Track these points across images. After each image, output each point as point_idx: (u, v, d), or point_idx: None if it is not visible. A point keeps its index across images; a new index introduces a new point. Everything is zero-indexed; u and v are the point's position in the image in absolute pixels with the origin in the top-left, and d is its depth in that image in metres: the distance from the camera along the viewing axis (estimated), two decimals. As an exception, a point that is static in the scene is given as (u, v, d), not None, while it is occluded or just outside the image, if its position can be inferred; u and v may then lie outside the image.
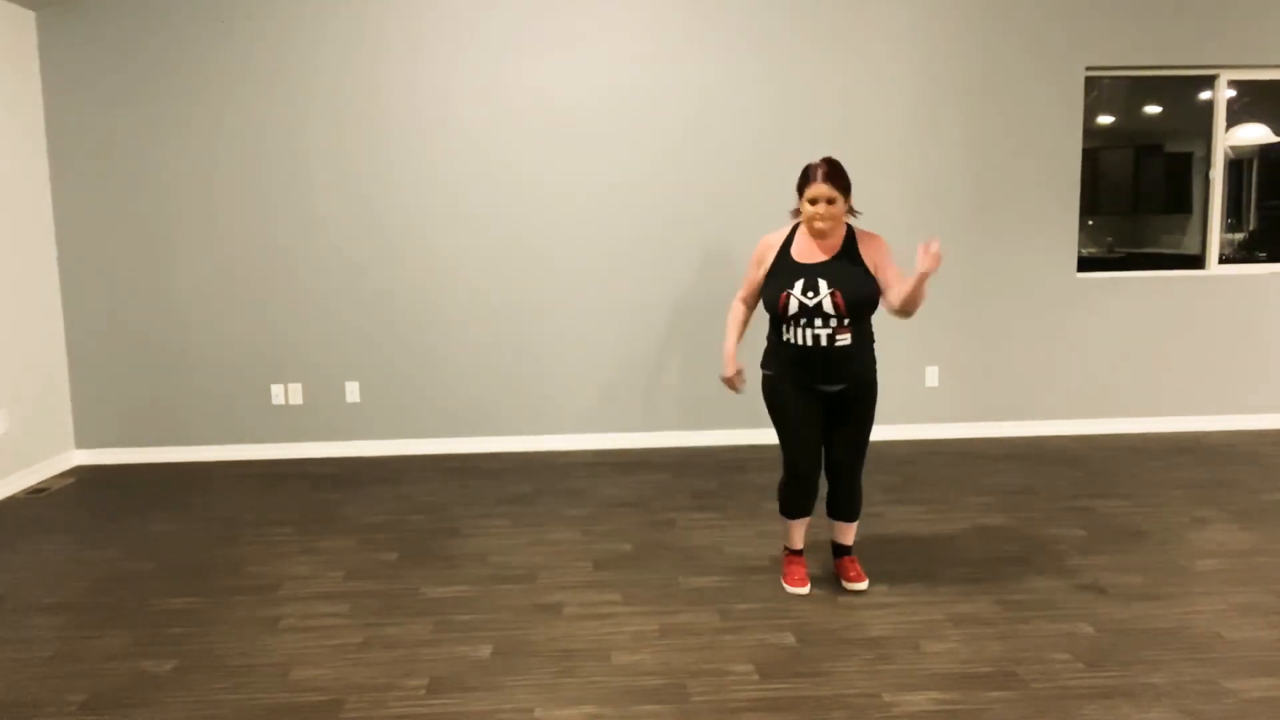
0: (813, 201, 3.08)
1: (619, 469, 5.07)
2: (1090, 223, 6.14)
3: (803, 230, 3.19)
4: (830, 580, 3.46)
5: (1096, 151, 6.04)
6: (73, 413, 5.41)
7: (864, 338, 3.18)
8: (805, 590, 3.35)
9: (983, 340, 5.61)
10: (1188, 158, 6.19)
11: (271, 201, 5.30)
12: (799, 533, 3.44)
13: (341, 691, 2.71)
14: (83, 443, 5.44)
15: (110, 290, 5.33)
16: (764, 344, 3.32)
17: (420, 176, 5.31)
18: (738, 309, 3.41)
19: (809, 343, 3.09)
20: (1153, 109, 6.45)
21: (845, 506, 3.37)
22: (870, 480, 4.76)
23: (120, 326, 5.36)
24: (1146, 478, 4.77)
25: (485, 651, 2.95)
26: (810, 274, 3.08)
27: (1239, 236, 6.21)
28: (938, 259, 2.81)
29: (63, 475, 5.21)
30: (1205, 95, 5.71)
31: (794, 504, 3.34)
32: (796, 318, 3.08)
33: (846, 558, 3.44)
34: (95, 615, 3.29)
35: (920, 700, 2.60)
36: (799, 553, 3.47)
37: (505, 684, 2.74)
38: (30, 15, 5.10)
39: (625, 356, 5.47)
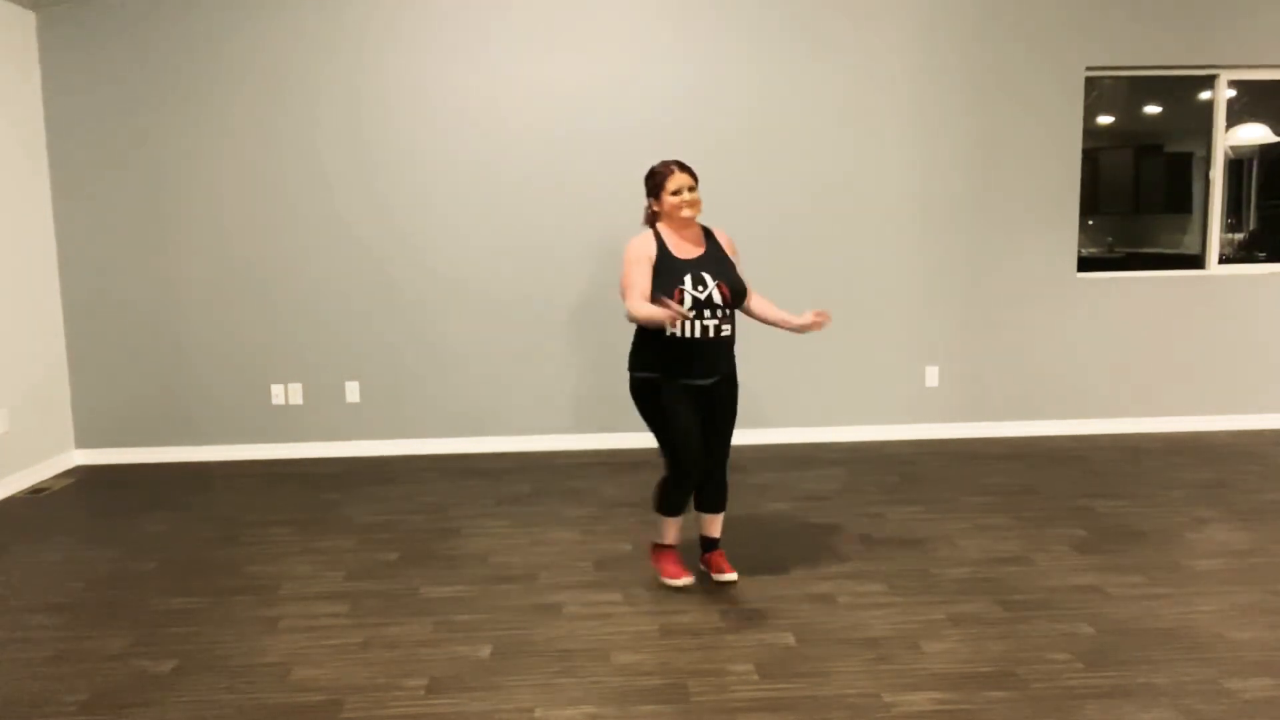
0: (676, 192, 3.24)
1: (619, 469, 5.06)
2: (1090, 223, 6.14)
3: (666, 230, 3.29)
4: (830, 580, 3.46)
5: (1096, 151, 6.04)
6: (73, 413, 5.41)
7: (734, 330, 3.33)
8: (690, 580, 3.39)
9: (983, 340, 5.61)
10: (1188, 158, 6.19)
11: (271, 202, 5.30)
12: (675, 528, 3.45)
13: (341, 691, 2.71)
14: (83, 443, 5.44)
15: (110, 290, 5.33)
16: (628, 349, 3.35)
17: (420, 178, 5.31)
18: (644, 304, 3.14)
19: (698, 334, 3.18)
20: (1153, 109, 6.45)
21: (716, 498, 3.47)
22: (870, 480, 4.77)
23: (120, 327, 5.36)
24: (1146, 478, 4.77)
25: (485, 651, 2.95)
26: (694, 269, 3.21)
27: (1239, 236, 6.21)
28: (819, 327, 3.26)
29: (63, 475, 5.21)
30: (1205, 95, 5.70)
31: (680, 502, 3.36)
32: (690, 309, 3.17)
33: (717, 551, 3.53)
34: (95, 615, 3.29)
35: (920, 700, 2.60)
36: (672, 546, 3.47)
37: (505, 684, 2.74)
38: (30, 15, 5.10)
39: (626, 356, 5.45)
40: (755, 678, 2.75)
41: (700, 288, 3.18)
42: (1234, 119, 5.74)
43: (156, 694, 2.72)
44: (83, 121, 5.21)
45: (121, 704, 2.67)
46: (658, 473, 5.00)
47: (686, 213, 3.24)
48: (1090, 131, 5.69)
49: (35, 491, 4.90)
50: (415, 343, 5.43)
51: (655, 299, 3.13)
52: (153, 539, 4.10)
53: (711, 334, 3.20)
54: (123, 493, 4.85)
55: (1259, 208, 6.31)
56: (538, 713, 2.58)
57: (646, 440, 5.60)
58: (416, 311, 5.41)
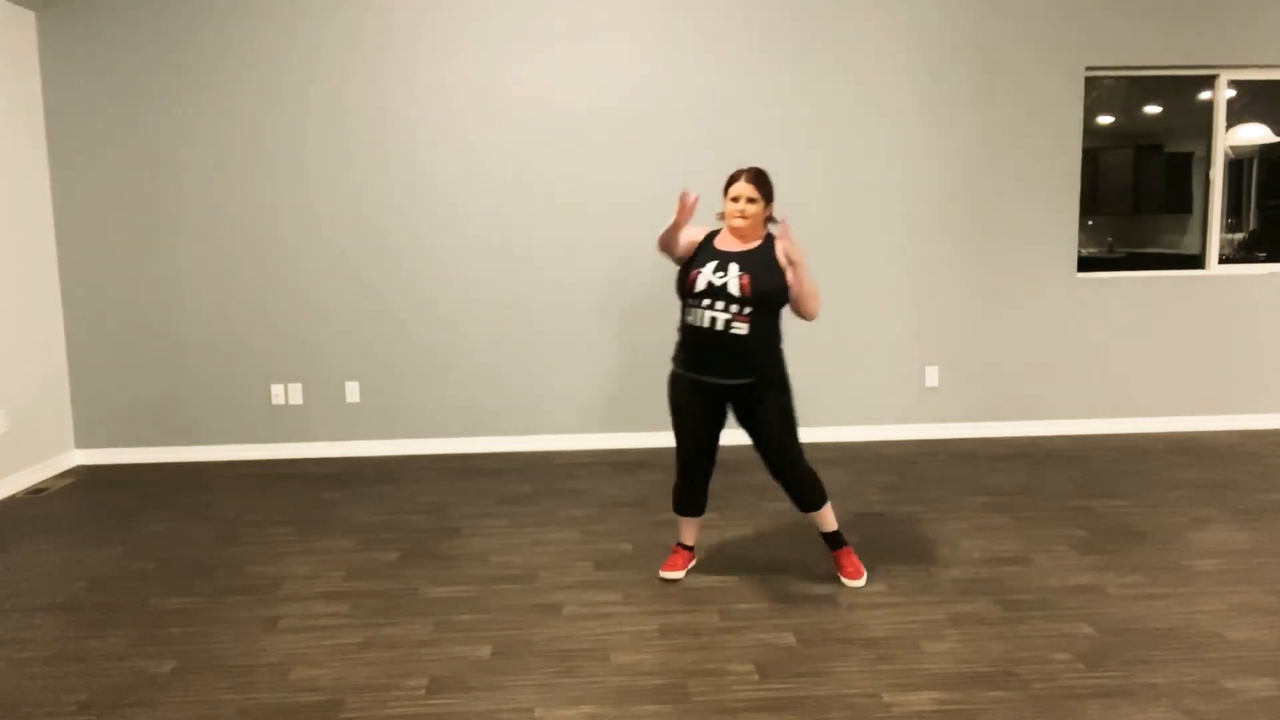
0: (735, 199, 3.18)
1: (619, 469, 5.06)
2: (1090, 223, 6.15)
3: (724, 230, 3.25)
4: (829, 579, 3.46)
5: (1096, 151, 6.04)
6: (73, 413, 5.40)
7: (764, 335, 3.16)
8: (676, 575, 3.45)
9: (983, 340, 5.61)
10: (1188, 158, 6.20)
11: (271, 202, 5.30)
12: (688, 530, 3.52)
13: (341, 691, 2.71)
14: (83, 443, 5.44)
15: (110, 290, 5.33)
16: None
17: (420, 177, 5.31)
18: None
19: (705, 324, 3.11)
20: (1153, 109, 6.45)
21: (800, 497, 3.35)
22: (870, 480, 4.77)
23: (120, 326, 5.36)
24: (1146, 478, 4.77)
25: (485, 651, 2.95)
26: (725, 258, 3.14)
27: (1239, 236, 6.21)
28: (785, 231, 3.08)
29: (63, 475, 5.21)
30: (1205, 95, 5.71)
31: (681, 500, 3.44)
32: (700, 296, 3.11)
33: (841, 550, 3.44)
34: (95, 615, 3.29)
35: (920, 700, 2.60)
36: (687, 548, 3.55)
37: (505, 684, 2.74)
38: (30, 15, 5.10)
39: (625, 356, 5.47)
40: (755, 678, 2.75)
41: (720, 274, 3.10)
42: (1234, 119, 5.74)
43: (156, 694, 2.72)
44: (83, 121, 5.21)
45: (121, 704, 2.67)
46: (658, 472, 5.03)
47: (735, 223, 3.17)
48: (1090, 131, 5.69)
49: (35, 491, 4.90)
50: (415, 343, 5.43)
51: (686, 275, 3.16)
52: (153, 539, 4.10)
53: (720, 326, 3.09)
54: (123, 493, 4.85)
55: (1259, 208, 6.32)
56: (538, 713, 2.58)
57: (646, 440, 5.63)
58: (417, 311, 5.41)
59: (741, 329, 3.09)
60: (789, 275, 3.14)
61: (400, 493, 4.72)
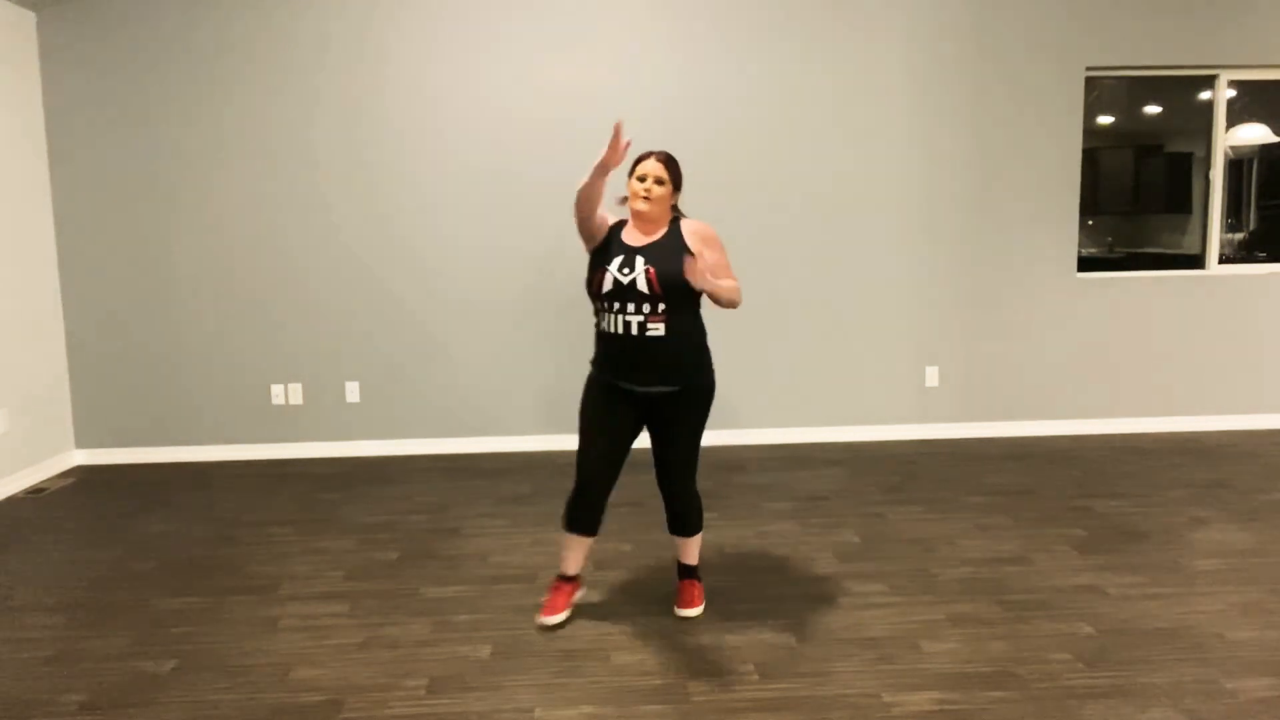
0: (641, 179, 2.91)
1: (619, 469, 5.06)
2: (1090, 223, 6.15)
3: (629, 223, 2.99)
4: (830, 580, 3.46)
5: (1096, 151, 6.04)
6: (73, 413, 5.40)
7: (685, 334, 2.88)
8: (556, 619, 3.08)
9: (983, 340, 5.61)
10: (1188, 158, 6.20)
11: (271, 202, 5.30)
12: (575, 554, 3.12)
13: (341, 691, 2.71)
14: (83, 443, 5.44)
15: (110, 290, 5.33)
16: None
17: (421, 177, 5.31)
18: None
19: (618, 329, 2.85)
20: (1153, 109, 6.45)
21: (678, 521, 3.12)
22: (870, 480, 4.77)
23: (120, 327, 5.36)
24: (1146, 478, 4.77)
25: (485, 651, 2.95)
26: (630, 252, 2.87)
27: (1239, 236, 6.21)
28: (695, 272, 2.69)
29: (63, 475, 5.21)
30: (1205, 95, 5.71)
31: (571, 514, 3.06)
32: (610, 298, 2.84)
33: (687, 581, 3.22)
34: (95, 615, 3.29)
35: (920, 700, 2.60)
36: (568, 579, 3.16)
37: (505, 684, 2.74)
38: (30, 15, 5.10)
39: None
40: (755, 678, 2.75)
41: (626, 270, 2.83)
42: (1234, 119, 5.74)
43: (156, 694, 2.72)
44: (83, 121, 5.21)
45: (121, 704, 2.67)
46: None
47: (639, 205, 2.89)
48: (1090, 131, 5.69)
49: (35, 491, 4.90)
50: (415, 343, 5.43)
51: (594, 274, 2.89)
52: (153, 539, 4.10)
53: (634, 331, 2.82)
54: (123, 493, 4.85)
55: (1259, 208, 6.32)
56: (538, 713, 2.58)
57: (645, 440, 5.61)
58: (416, 312, 5.41)
59: (658, 330, 2.82)
60: (710, 261, 2.86)
61: (400, 493, 4.72)
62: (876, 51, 5.35)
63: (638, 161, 2.98)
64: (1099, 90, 5.84)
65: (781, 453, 5.33)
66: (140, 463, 5.42)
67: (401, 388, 5.47)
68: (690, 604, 3.19)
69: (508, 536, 4.03)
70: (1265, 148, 6.09)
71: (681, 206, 3.08)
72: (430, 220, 5.35)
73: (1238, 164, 6.05)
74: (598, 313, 2.96)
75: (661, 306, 2.82)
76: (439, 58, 5.24)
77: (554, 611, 3.11)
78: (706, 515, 4.27)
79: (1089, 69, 5.47)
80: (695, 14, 5.28)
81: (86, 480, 5.12)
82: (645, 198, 2.90)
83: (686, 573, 3.26)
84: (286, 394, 5.45)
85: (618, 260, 2.87)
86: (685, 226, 2.97)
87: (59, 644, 3.07)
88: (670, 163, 2.97)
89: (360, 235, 5.35)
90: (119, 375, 5.39)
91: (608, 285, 2.86)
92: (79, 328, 5.35)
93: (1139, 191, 6.70)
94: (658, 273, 2.80)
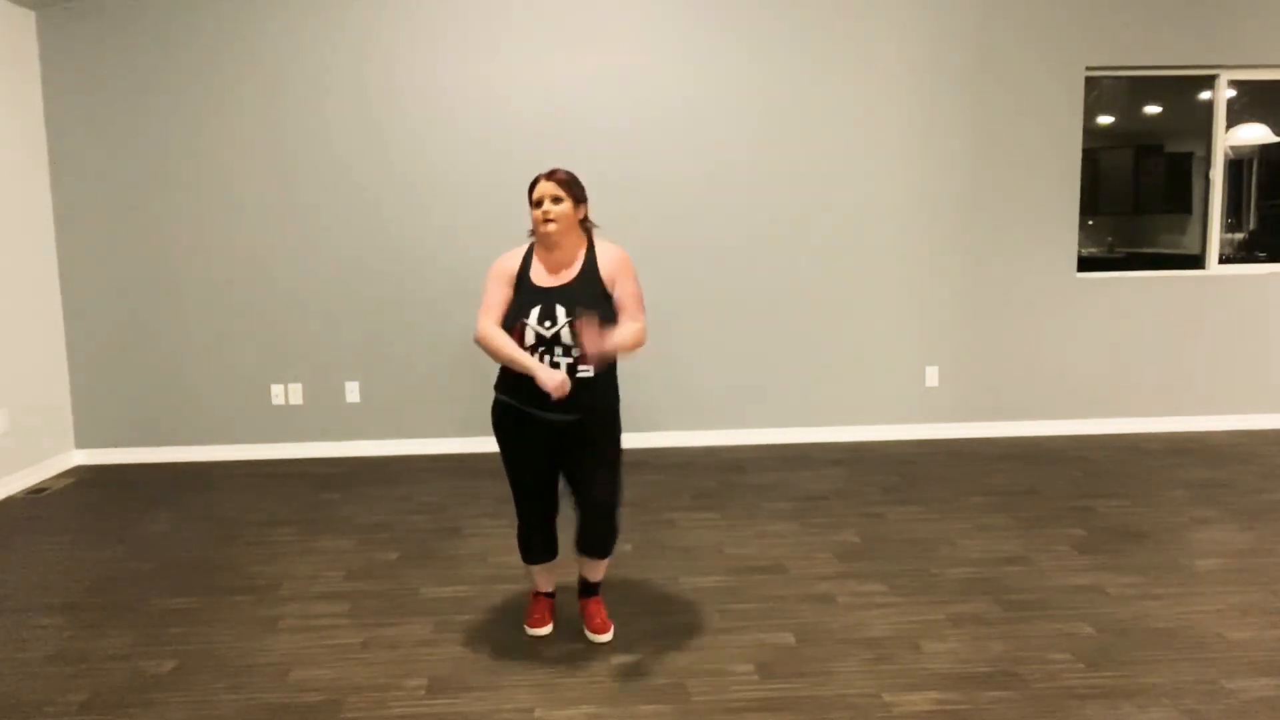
0: (538, 203, 2.79)
1: (619, 469, 5.06)
2: (1090, 223, 6.14)
3: (538, 250, 2.86)
4: (830, 580, 3.46)
5: (1096, 151, 6.04)
6: (73, 413, 5.40)
7: (609, 368, 2.83)
8: (544, 631, 3.06)
9: (983, 340, 5.61)
10: (1188, 158, 6.20)
11: (271, 201, 5.30)
12: (542, 576, 3.10)
13: (341, 691, 2.71)
14: (83, 443, 5.44)
15: (110, 290, 5.33)
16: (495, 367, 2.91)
17: (420, 177, 5.31)
18: (495, 329, 2.81)
19: None
20: (1153, 109, 6.45)
21: (592, 541, 2.91)
22: (870, 480, 4.77)
23: (120, 326, 5.36)
24: (1146, 478, 4.77)
25: (485, 651, 2.95)
26: (547, 300, 2.74)
27: (1239, 236, 6.21)
28: (594, 347, 2.60)
29: (63, 475, 5.21)
30: (1205, 95, 5.71)
31: (524, 546, 2.99)
32: (534, 348, 2.73)
33: (592, 600, 3.08)
34: (95, 615, 3.29)
35: (920, 700, 2.60)
36: (547, 595, 3.14)
37: (505, 684, 2.74)
38: (30, 15, 5.10)
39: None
40: (755, 678, 2.75)
41: (548, 323, 2.71)
42: (1234, 119, 5.74)
43: (156, 694, 2.72)
44: (83, 121, 5.21)
45: (121, 704, 2.67)
46: (658, 472, 5.03)
47: (545, 229, 2.76)
48: (1090, 131, 5.69)
49: (35, 491, 4.90)
50: (415, 343, 5.43)
51: (511, 328, 2.76)
52: (153, 539, 4.10)
53: (563, 371, 2.71)
54: (123, 493, 4.85)
55: (1259, 208, 6.31)
56: (538, 713, 2.58)
57: (646, 440, 5.63)
58: (416, 311, 5.41)
59: (588, 372, 2.73)
60: (620, 294, 2.77)
61: (400, 493, 4.72)
62: (876, 52, 5.35)
63: (532, 187, 2.84)
64: (1099, 90, 5.84)
65: (781, 453, 5.32)
66: (140, 463, 5.42)
67: (401, 388, 5.47)
68: (602, 627, 3.02)
69: (508, 536, 4.02)
70: (1265, 148, 6.09)
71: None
72: (430, 220, 5.35)
73: (1238, 164, 6.05)
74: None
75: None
76: (440, 59, 5.24)
77: (542, 624, 3.07)
78: (707, 514, 4.28)
79: (1089, 69, 5.47)
80: (698, 18, 5.27)
81: (86, 480, 5.12)
82: (548, 219, 2.77)
83: (590, 591, 3.10)
84: (286, 394, 5.45)
85: (535, 312, 2.73)
86: (601, 254, 2.86)
87: (59, 644, 3.07)
88: (567, 180, 2.82)
89: (360, 235, 5.34)
90: (119, 375, 5.39)
91: (529, 339, 2.73)
92: (79, 328, 5.35)
93: (1139, 191, 6.70)
94: (584, 324, 2.66)
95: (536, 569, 3.07)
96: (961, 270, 5.54)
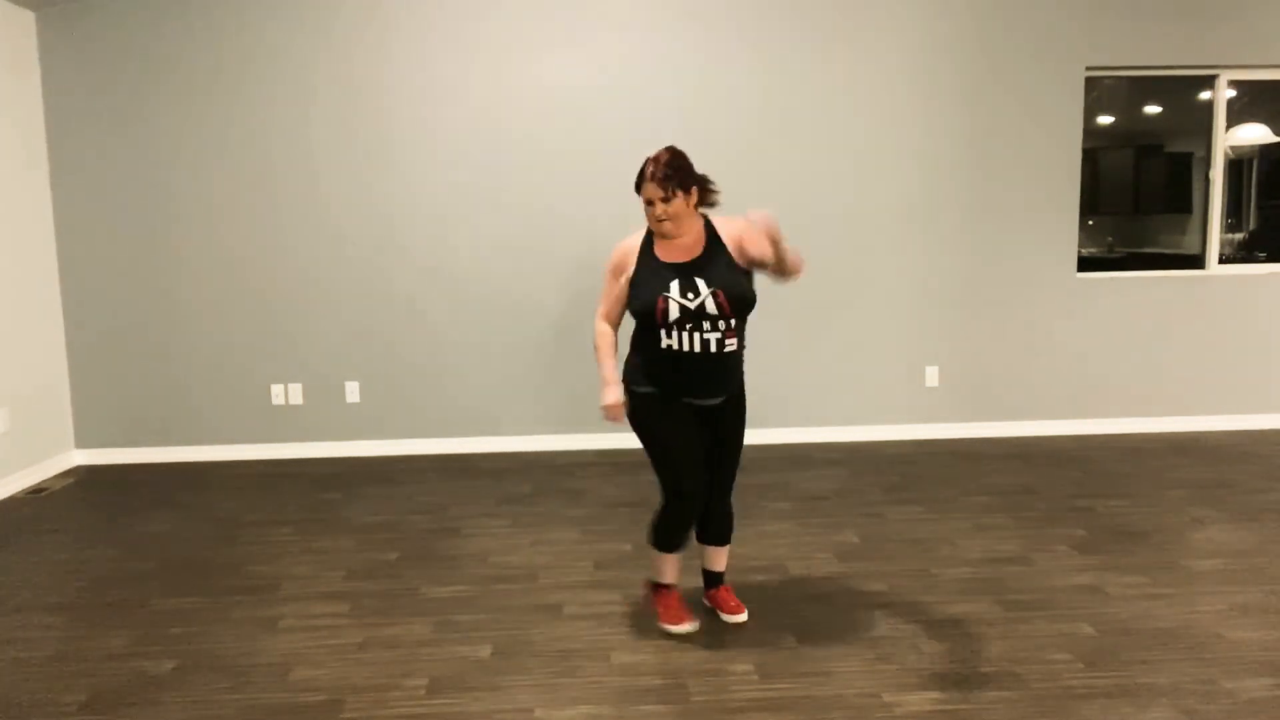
0: (649, 203, 2.83)
1: (619, 469, 5.06)
2: (1090, 223, 6.15)
3: (657, 238, 2.90)
4: (831, 580, 3.46)
5: (1096, 151, 6.04)
6: (73, 413, 5.40)
7: (743, 344, 2.89)
8: (693, 627, 3.03)
9: (983, 340, 5.61)
10: (1188, 158, 6.20)
11: (271, 201, 5.30)
12: (674, 565, 3.09)
13: (341, 691, 2.71)
14: (83, 443, 5.44)
15: (110, 290, 5.33)
16: (624, 361, 2.97)
17: (421, 176, 5.31)
18: (604, 330, 2.99)
19: (698, 348, 2.76)
20: (1153, 109, 6.46)
21: (719, 530, 3.07)
22: (870, 480, 4.77)
23: (120, 326, 5.36)
24: (1146, 478, 4.77)
25: (485, 651, 2.95)
26: (685, 274, 2.77)
27: (1239, 236, 6.22)
28: (764, 224, 2.62)
29: (63, 475, 5.21)
30: (1205, 95, 5.70)
31: (678, 534, 2.97)
32: (680, 323, 2.75)
33: (723, 588, 3.18)
34: (95, 615, 3.29)
35: (920, 700, 2.60)
36: (672, 586, 3.11)
37: (505, 684, 2.74)
38: (30, 15, 5.10)
39: (624, 356, 5.45)
40: (755, 678, 2.75)
41: (691, 295, 2.74)
42: (1234, 119, 5.74)
43: (156, 694, 2.72)
44: (83, 121, 5.21)
45: (121, 704, 2.67)
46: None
47: (663, 228, 2.82)
48: (1090, 131, 5.69)
49: (35, 491, 4.90)
50: (415, 343, 5.43)
51: (652, 305, 2.76)
52: (153, 539, 4.10)
53: (713, 348, 2.76)
54: (123, 493, 4.85)
55: (1259, 208, 6.32)
56: (538, 713, 2.58)
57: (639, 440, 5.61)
58: (416, 311, 5.41)
59: (733, 345, 2.81)
60: (761, 256, 2.72)
61: (400, 493, 4.72)
62: (876, 51, 5.35)
63: (637, 184, 2.89)
64: (1099, 90, 5.84)
65: (781, 453, 5.32)
66: (140, 463, 5.42)
67: (401, 388, 5.46)
68: (738, 609, 3.13)
69: (508, 536, 4.03)
70: (1265, 148, 6.09)
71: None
72: (430, 220, 5.34)
73: (1238, 164, 6.05)
74: (658, 334, 2.80)
75: (731, 322, 2.78)
76: (440, 56, 5.24)
77: (687, 618, 3.06)
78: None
79: (1089, 69, 5.47)
80: (697, 15, 5.27)
81: (86, 480, 5.12)
82: (662, 220, 2.82)
83: (718, 580, 3.20)
84: (286, 394, 5.45)
85: (675, 285, 2.75)
86: (720, 227, 2.89)
87: (59, 644, 3.07)
88: (664, 176, 2.81)
89: (360, 235, 5.34)
90: (119, 375, 5.38)
91: (674, 314, 2.74)
92: (79, 328, 5.35)
93: (1139, 191, 6.71)
94: (726, 295, 2.74)
95: (672, 558, 3.05)
96: (961, 270, 5.54)
